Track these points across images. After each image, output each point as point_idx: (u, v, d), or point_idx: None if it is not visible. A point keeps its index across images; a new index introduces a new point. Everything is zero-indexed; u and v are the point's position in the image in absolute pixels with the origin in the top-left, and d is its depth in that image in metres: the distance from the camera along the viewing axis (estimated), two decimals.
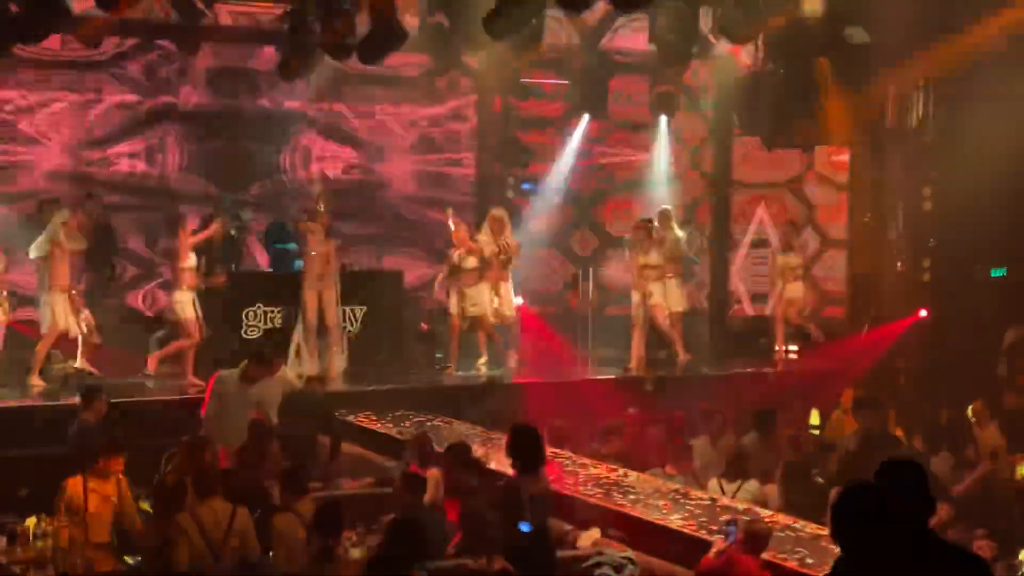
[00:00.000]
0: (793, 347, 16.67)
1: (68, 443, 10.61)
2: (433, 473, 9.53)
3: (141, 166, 16.76)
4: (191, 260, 13.86)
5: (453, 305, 15.18)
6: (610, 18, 16.77)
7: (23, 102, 16.14)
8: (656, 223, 15.86)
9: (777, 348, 16.47)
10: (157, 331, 14.62)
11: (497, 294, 15.33)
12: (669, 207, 16.40)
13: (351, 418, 12.85)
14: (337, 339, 14.53)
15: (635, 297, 15.58)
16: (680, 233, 16.15)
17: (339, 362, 14.50)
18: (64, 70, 16.22)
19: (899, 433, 11.83)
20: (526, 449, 8.07)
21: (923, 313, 16.19)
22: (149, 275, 16.70)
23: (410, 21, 14.63)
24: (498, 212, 15.65)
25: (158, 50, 16.47)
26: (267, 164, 17.21)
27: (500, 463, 9.38)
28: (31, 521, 8.76)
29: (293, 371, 13.13)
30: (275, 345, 12.61)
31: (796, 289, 16.37)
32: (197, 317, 13.73)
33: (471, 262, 15.11)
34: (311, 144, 17.47)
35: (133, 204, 16.69)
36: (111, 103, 16.55)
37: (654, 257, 15.52)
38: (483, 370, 15.22)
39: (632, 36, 17.12)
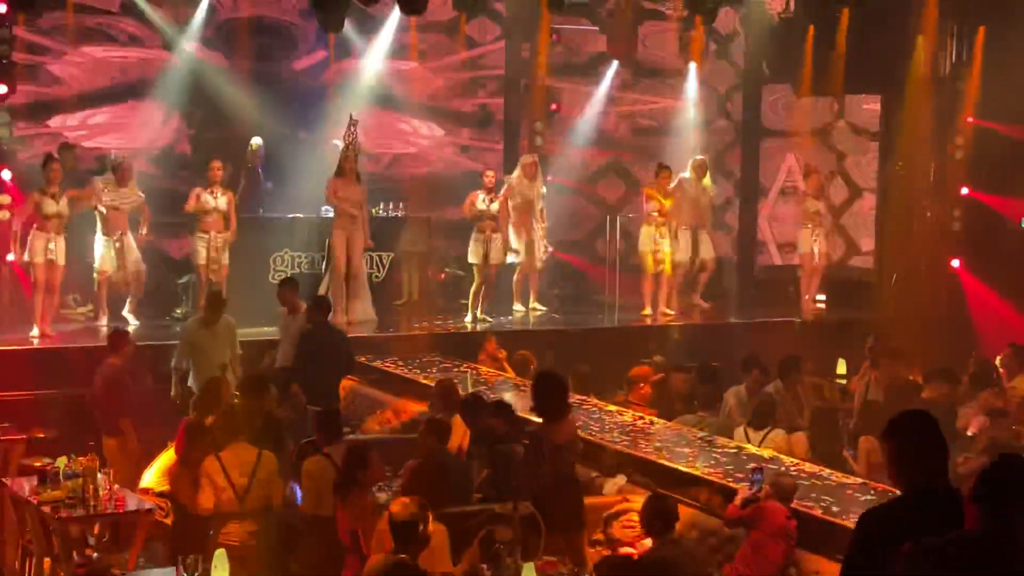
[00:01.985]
0: (821, 296, 16.62)
1: (96, 386, 10.69)
2: (458, 419, 9.57)
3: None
4: (202, 203, 13.92)
5: (474, 253, 15.16)
6: None
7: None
8: (691, 173, 15.84)
9: (805, 297, 16.42)
10: (183, 276, 14.75)
11: (528, 239, 15.32)
12: (703, 157, 16.33)
13: (377, 363, 12.90)
14: (362, 285, 14.56)
15: (644, 242, 15.57)
16: (710, 184, 16.12)
17: (363, 309, 14.53)
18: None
19: (918, 380, 11.76)
20: (550, 397, 8.08)
21: (955, 263, 16.13)
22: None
23: None
24: (530, 157, 15.63)
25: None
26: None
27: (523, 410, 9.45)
28: (62, 461, 8.85)
29: None
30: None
31: (821, 238, 16.27)
32: (209, 262, 13.84)
33: (492, 210, 15.07)
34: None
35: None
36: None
37: (660, 204, 15.49)
38: (516, 316, 15.30)
39: None
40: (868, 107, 18.29)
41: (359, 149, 14.60)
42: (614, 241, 16.49)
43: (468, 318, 14.96)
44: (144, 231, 14.04)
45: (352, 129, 14.35)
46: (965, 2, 15.80)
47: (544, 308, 15.72)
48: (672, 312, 15.56)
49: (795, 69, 16.37)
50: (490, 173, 15.37)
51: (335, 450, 8.33)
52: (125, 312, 13.88)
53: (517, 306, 15.59)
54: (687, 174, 15.98)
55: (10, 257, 13.53)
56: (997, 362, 12.33)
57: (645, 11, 17.71)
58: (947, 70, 16.58)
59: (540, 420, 8.25)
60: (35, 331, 13.04)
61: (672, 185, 15.56)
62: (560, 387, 8.21)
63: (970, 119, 16.14)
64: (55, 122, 16.29)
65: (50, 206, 13.04)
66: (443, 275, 16.35)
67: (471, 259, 15.15)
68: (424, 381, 11.94)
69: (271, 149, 15.79)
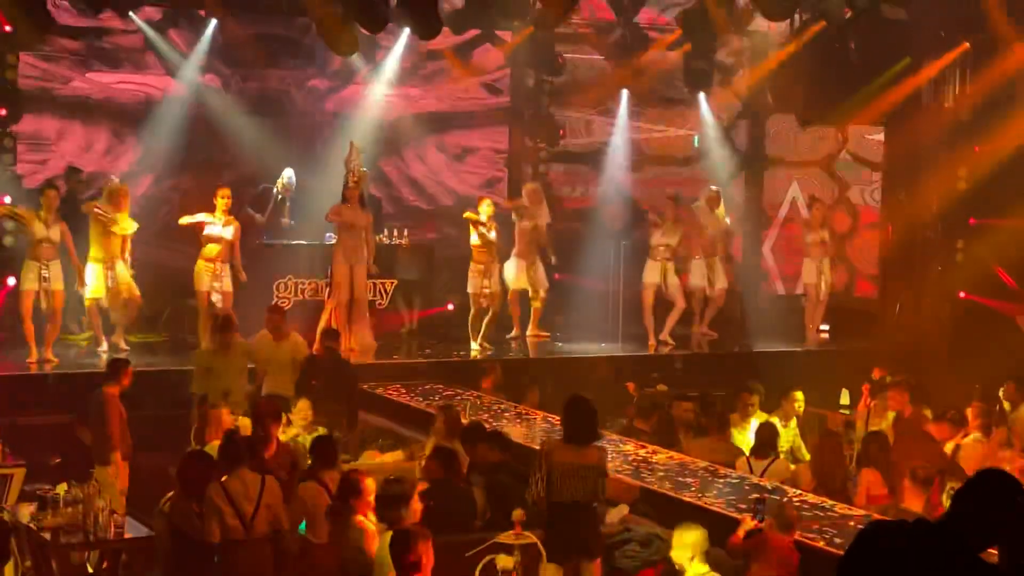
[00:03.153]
0: (825, 326, 16.61)
1: (92, 414, 10.64)
2: (459, 446, 9.55)
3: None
4: (208, 230, 13.91)
5: (472, 282, 15.12)
6: None
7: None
8: (704, 203, 15.85)
9: (809, 326, 16.41)
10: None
11: (530, 269, 15.31)
12: (716, 188, 16.36)
13: (379, 390, 12.88)
14: (363, 312, 14.55)
15: (651, 275, 15.58)
16: (723, 214, 16.16)
17: (363, 335, 14.51)
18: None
19: (928, 414, 11.72)
20: (577, 420, 8.06)
21: (961, 295, 16.15)
22: None
23: None
24: (532, 185, 15.61)
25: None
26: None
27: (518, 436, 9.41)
28: (62, 488, 8.81)
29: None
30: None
31: (826, 268, 16.29)
32: (212, 289, 13.82)
33: (489, 238, 15.06)
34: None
35: None
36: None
37: (670, 237, 15.52)
38: (514, 344, 15.28)
39: (667, 10, 17.02)
40: (872, 137, 18.29)
41: (363, 174, 14.60)
42: (618, 268, 16.49)
43: (473, 345, 14.95)
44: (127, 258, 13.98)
45: (354, 154, 14.36)
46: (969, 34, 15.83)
47: (547, 334, 15.71)
48: (672, 342, 15.58)
49: (799, 99, 16.39)
50: (488, 201, 15.34)
51: (330, 477, 8.33)
52: (115, 339, 13.78)
53: (514, 332, 15.56)
54: (699, 204, 16.01)
55: (11, 281, 13.55)
56: (1000, 394, 12.28)
57: (649, 39, 17.73)
58: (951, 101, 16.60)
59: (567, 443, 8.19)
60: (32, 356, 13.04)
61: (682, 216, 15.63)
62: (588, 412, 8.18)
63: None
64: (61, 147, 16.28)
65: (40, 230, 13.05)
66: (450, 304, 16.26)
67: (469, 288, 15.14)
68: (426, 409, 11.91)
69: (273, 176, 15.72)
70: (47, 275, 13.03)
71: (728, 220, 16.36)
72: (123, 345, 13.75)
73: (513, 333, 15.54)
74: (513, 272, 15.27)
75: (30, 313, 13.12)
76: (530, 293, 15.43)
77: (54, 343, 13.37)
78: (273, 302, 14.17)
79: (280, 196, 15.46)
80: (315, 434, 9.81)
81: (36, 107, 15.64)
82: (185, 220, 14.03)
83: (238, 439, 8.46)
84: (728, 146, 18.53)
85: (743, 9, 15.35)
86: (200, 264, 13.94)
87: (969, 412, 11.14)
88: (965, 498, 4.18)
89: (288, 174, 15.49)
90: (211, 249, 13.89)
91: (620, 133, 18.03)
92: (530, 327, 15.62)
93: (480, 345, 14.91)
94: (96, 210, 13.44)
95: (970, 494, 4.18)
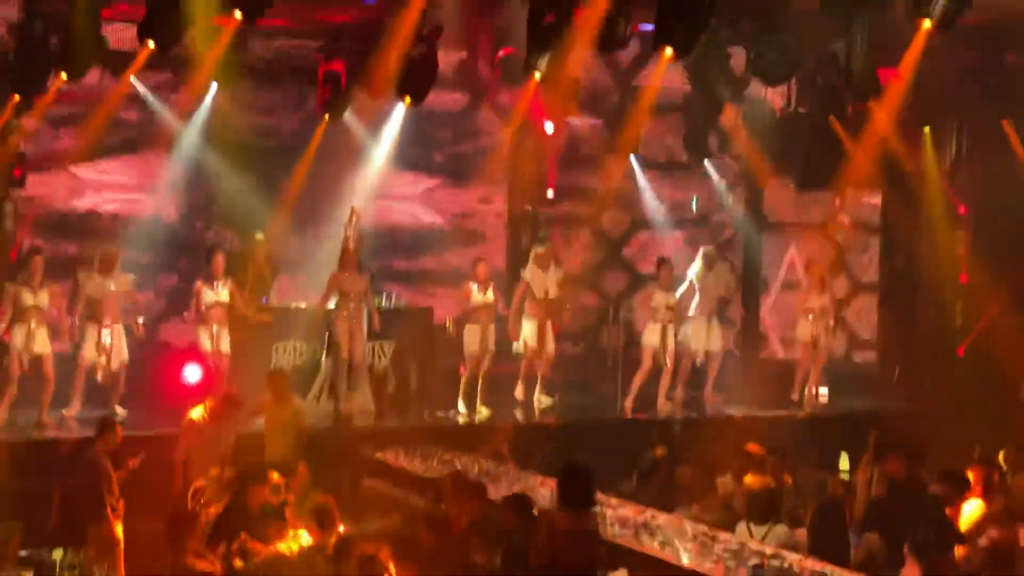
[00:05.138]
0: (823, 389, 16.58)
1: (79, 474, 10.61)
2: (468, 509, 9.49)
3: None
4: (207, 295, 13.94)
5: (469, 343, 15.11)
6: (643, 57, 16.81)
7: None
8: (701, 262, 15.91)
9: (807, 390, 16.39)
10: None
11: (540, 328, 15.30)
12: (712, 247, 16.41)
13: (378, 455, 12.84)
14: (363, 376, 14.54)
15: (650, 337, 15.58)
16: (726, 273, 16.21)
17: (363, 399, 14.49)
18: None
19: (926, 478, 11.67)
20: (573, 486, 8.02)
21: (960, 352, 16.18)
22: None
23: (444, 58, 14.72)
24: (542, 248, 15.71)
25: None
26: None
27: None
28: (58, 553, 8.78)
29: (311, 408, 13.37)
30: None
31: (826, 331, 16.28)
32: (214, 351, 13.82)
33: (488, 298, 15.08)
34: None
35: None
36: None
37: (670, 298, 15.55)
38: (517, 403, 15.34)
39: (666, 76, 17.10)
40: (869, 201, 18.36)
41: (362, 240, 14.65)
42: (618, 332, 16.50)
43: (465, 408, 14.91)
44: (140, 320, 14.03)
45: (354, 220, 14.43)
46: (966, 97, 15.92)
47: (550, 400, 15.65)
48: (674, 402, 15.56)
49: (796, 163, 16.45)
50: (482, 264, 15.38)
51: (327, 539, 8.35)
52: (117, 407, 13.80)
53: (518, 393, 15.52)
54: (698, 264, 16.04)
55: None
56: (1000, 458, 12.23)
57: (649, 105, 17.83)
58: (947, 164, 16.69)
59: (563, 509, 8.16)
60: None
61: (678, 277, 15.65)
62: (584, 477, 8.15)
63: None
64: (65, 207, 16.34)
65: (27, 298, 13.13)
66: (463, 368, 16.14)
67: (467, 349, 15.12)
68: (425, 473, 11.87)
69: (276, 244, 15.77)
70: (36, 338, 13.10)
71: (727, 280, 16.40)
72: (120, 411, 13.74)
73: (518, 394, 15.49)
74: (528, 333, 15.27)
75: (15, 377, 13.18)
76: (534, 354, 15.38)
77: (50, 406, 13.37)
78: (272, 366, 14.18)
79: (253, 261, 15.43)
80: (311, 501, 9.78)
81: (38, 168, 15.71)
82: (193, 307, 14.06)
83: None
84: (726, 209, 18.60)
85: (740, 76, 15.45)
86: (200, 328, 13.97)
87: (970, 475, 11.09)
88: None
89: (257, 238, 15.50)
90: (208, 312, 13.95)
91: (610, 194, 18.09)
92: (536, 390, 15.57)
93: (477, 408, 14.88)
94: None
95: None
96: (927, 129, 15.67)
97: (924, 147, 16.09)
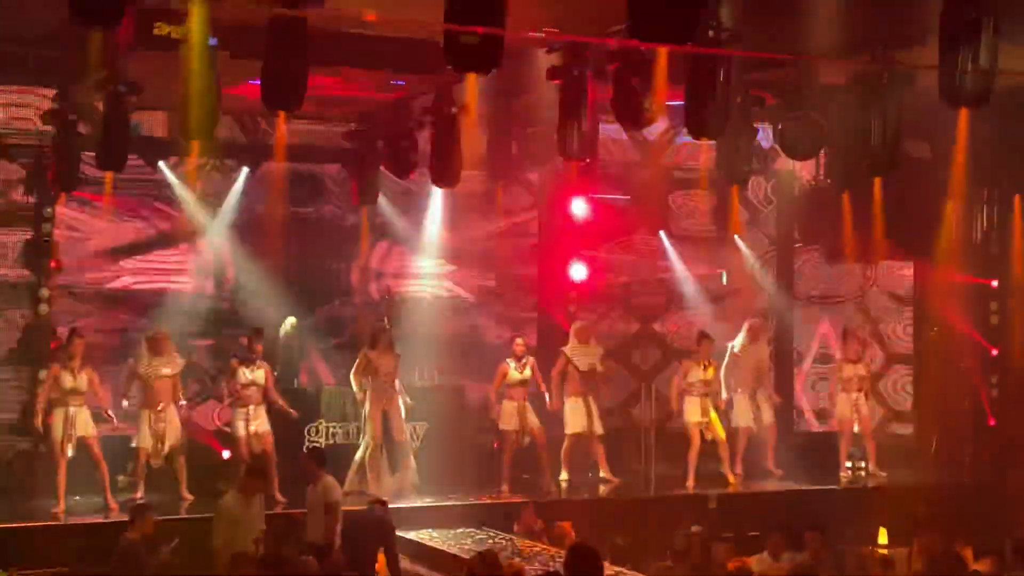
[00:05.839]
0: (860, 463, 16.43)
1: (112, 562, 10.59)
2: None
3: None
4: (241, 376, 13.98)
5: (506, 420, 15.08)
6: (671, 134, 16.89)
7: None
8: (745, 335, 15.93)
9: (843, 464, 16.24)
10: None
11: (587, 406, 15.24)
12: (758, 319, 16.50)
13: (412, 535, 12.78)
14: (407, 453, 14.51)
15: (692, 414, 15.50)
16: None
17: (411, 477, 14.46)
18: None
19: (967, 553, 11.54)
20: (581, 570, 7.94)
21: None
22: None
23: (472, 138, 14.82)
24: (580, 323, 15.75)
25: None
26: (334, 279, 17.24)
27: None
28: None
29: (351, 488, 13.36)
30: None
31: (861, 403, 16.15)
32: (250, 434, 13.83)
33: (525, 375, 15.06)
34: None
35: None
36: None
37: (705, 372, 15.49)
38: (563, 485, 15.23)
39: (693, 152, 17.18)
40: (901, 272, 18.31)
41: (396, 322, 14.72)
42: (650, 409, 16.42)
43: (503, 487, 14.85)
44: (183, 402, 14.09)
45: (388, 302, 14.49)
46: (996, 169, 15.92)
47: (616, 479, 15.46)
48: (736, 477, 15.54)
49: (826, 235, 16.45)
50: (520, 341, 15.39)
51: None
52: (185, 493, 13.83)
53: (563, 475, 15.40)
54: (742, 335, 15.97)
55: None
56: None
57: (676, 179, 17.91)
58: (979, 236, 16.64)
59: None
60: (59, 506, 13.04)
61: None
62: (592, 560, 8.07)
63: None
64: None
65: (67, 380, 13.19)
66: (496, 444, 16.04)
67: (503, 425, 15.08)
68: (459, 553, 11.81)
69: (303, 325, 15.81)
70: (75, 421, 13.14)
71: (766, 353, 16.36)
72: (186, 495, 13.76)
73: (563, 476, 15.39)
74: (570, 413, 15.23)
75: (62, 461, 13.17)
76: (586, 434, 15.31)
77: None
78: (307, 445, 14.19)
79: (284, 344, 15.43)
80: None
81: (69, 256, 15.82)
82: (228, 396, 14.17)
83: None
84: (757, 282, 18.58)
85: (768, 150, 15.50)
86: (235, 411, 14.02)
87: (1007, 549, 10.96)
88: None
89: (290, 322, 15.49)
90: (243, 394, 13.99)
91: (641, 270, 18.11)
92: (600, 469, 15.45)
93: (508, 485, 14.84)
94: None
95: None
96: (950, 204, 15.62)
97: (946, 220, 16.05)
